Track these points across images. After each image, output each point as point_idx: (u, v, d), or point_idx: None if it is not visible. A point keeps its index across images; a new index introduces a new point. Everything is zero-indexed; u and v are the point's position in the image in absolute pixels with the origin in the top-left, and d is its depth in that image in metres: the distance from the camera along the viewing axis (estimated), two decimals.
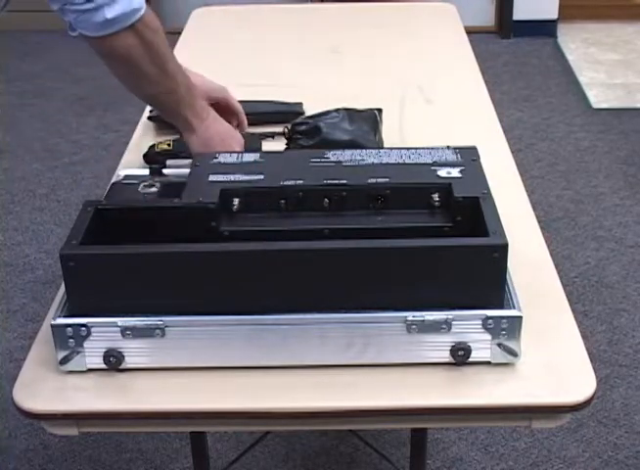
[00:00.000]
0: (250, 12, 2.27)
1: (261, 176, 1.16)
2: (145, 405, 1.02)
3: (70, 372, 1.06)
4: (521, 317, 1.02)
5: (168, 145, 1.46)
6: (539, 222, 1.33)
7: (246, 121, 1.42)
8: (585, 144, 3.45)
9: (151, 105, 1.41)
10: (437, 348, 1.04)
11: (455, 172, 1.15)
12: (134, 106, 3.55)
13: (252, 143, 1.47)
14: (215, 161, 1.21)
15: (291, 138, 1.50)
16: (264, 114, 1.62)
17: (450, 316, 1.02)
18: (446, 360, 1.05)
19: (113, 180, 1.25)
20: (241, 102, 1.49)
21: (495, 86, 3.83)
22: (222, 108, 1.37)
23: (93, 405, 1.02)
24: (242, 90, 1.72)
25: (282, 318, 1.03)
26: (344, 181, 1.14)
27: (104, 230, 1.10)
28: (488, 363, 1.05)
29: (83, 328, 1.02)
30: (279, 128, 1.55)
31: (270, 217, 1.13)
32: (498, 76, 4.02)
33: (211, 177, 1.16)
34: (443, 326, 1.02)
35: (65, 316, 1.03)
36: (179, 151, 1.42)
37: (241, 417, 1.03)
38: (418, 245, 1.01)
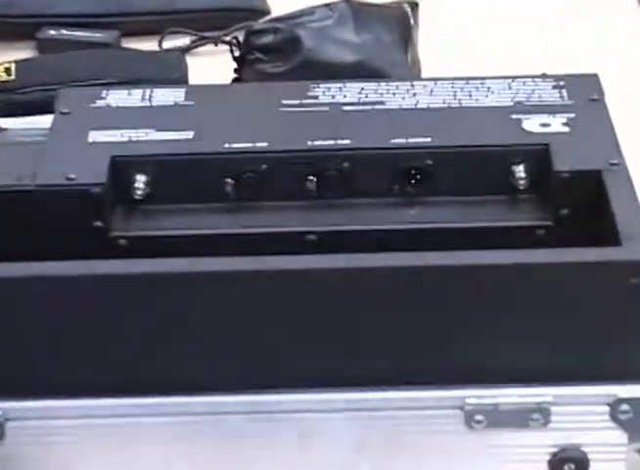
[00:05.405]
0: None
1: (189, 133, 0.92)
2: None
3: None
4: None
5: (7, 72, 1.25)
6: None
7: None
8: None
9: None
10: (524, 457, 0.83)
11: (557, 124, 0.92)
12: None
13: (172, 68, 1.23)
14: (101, 102, 0.96)
15: (244, 59, 1.25)
16: (196, 12, 1.37)
17: (548, 398, 0.82)
18: None
19: None
20: None
21: None
22: None
23: None
24: None
25: (228, 402, 0.80)
26: (347, 142, 0.90)
27: None
28: None
29: None
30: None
31: (205, 211, 0.91)
32: None
33: (93, 135, 0.92)
34: (535, 416, 0.82)
35: None
36: (26, 84, 1.22)
37: None
38: (490, 263, 0.78)
